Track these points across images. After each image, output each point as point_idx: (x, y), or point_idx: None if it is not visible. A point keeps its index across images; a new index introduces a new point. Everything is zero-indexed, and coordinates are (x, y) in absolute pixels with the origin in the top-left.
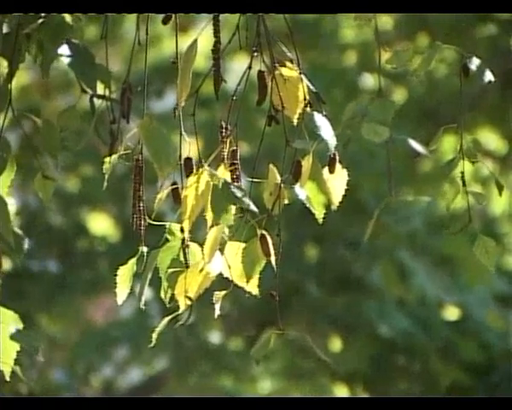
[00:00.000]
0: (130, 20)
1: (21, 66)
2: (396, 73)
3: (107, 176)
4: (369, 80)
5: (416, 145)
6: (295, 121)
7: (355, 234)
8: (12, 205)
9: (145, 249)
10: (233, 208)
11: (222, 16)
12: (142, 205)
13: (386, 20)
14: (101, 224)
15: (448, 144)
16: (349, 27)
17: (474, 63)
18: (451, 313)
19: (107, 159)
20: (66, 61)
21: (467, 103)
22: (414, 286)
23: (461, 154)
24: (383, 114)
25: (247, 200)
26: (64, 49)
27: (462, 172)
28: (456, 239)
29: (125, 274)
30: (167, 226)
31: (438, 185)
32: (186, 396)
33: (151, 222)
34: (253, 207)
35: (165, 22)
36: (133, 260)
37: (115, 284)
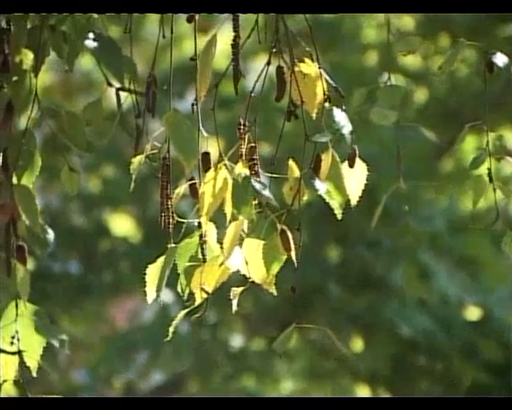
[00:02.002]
0: (153, 21)
1: (43, 67)
2: (417, 73)
3: (134, 176)
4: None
5: (427, 133)
6: (314, 116)
7: (376, 234)
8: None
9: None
10: (253, 204)
11: (242, 17)
12: (170, 203)
13: (407, 21)
14: (122, 225)
15: (469, 144)
16: (370, 27)
17: (500, 59)
18: (473, 313)
19: (134, 159)
20: (91, 51)
21: (490, 102)
22: (435, 286)
23: (487, 150)
24: (391, 99)
25: (267, 193)
26: (89, 41)
27: (489, 169)
28: (478, 239)
29: (153, 273)
30: (188, 223)
31: (459, 185)
32: (208, 396)
33: (179, 220)
34: (273, 201)
35: (189, 20)
36: (162, 259)
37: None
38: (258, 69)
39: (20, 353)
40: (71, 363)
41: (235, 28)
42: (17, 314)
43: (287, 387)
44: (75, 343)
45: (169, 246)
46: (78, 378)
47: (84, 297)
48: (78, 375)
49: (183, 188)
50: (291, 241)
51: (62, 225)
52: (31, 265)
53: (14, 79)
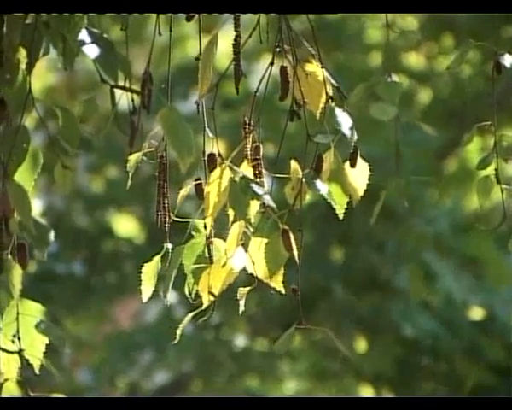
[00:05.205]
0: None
1: (47, 67)
2: (421, 73)
3: (130, 174)
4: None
5: (426, 129)
6: (318, 116)
7: (381, 236)
8: (38, 207)
9: (170, 246)
10: (257, 204)
11: (246, 17)
12: (166, 202)
13: (410, 21)
14: (126, 225)
15: (473, 144)
16: (374, 28)
17: (508, 60)
18: (477, 314)
19: (131, 157)
20: (86, 50)
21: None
22: (439, 287)
23: (495, 151)
24: (391, 96)
25: (265, 195)
26: (83, 39)
27: (497, 170)
28: (482, 240)
29: (149, 272)
30: (192, 223)
31: (463, 185)
32: (211, 396)
33: (176, 219)
34: (271, 203)
35: (188, 19)
36: (158, 258)
37: (141, 285)
38: (263, 70)
39: (21, 352)
40: (75, 363)
41: (237, 28)
42: (18, 313)
43: (290, 387)
44: (79, 343)
45: (165, 245)
46: (81, 378)
47: (88, 298)
48: (81, 375)
49: (188, 188)
50: (292, 241)
51: (66, 226)
52: (33, 266)
53: (8, 76)
